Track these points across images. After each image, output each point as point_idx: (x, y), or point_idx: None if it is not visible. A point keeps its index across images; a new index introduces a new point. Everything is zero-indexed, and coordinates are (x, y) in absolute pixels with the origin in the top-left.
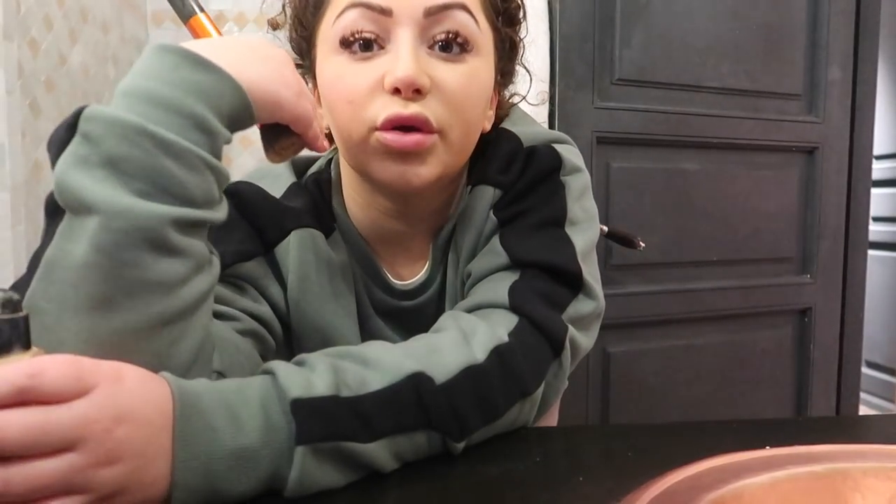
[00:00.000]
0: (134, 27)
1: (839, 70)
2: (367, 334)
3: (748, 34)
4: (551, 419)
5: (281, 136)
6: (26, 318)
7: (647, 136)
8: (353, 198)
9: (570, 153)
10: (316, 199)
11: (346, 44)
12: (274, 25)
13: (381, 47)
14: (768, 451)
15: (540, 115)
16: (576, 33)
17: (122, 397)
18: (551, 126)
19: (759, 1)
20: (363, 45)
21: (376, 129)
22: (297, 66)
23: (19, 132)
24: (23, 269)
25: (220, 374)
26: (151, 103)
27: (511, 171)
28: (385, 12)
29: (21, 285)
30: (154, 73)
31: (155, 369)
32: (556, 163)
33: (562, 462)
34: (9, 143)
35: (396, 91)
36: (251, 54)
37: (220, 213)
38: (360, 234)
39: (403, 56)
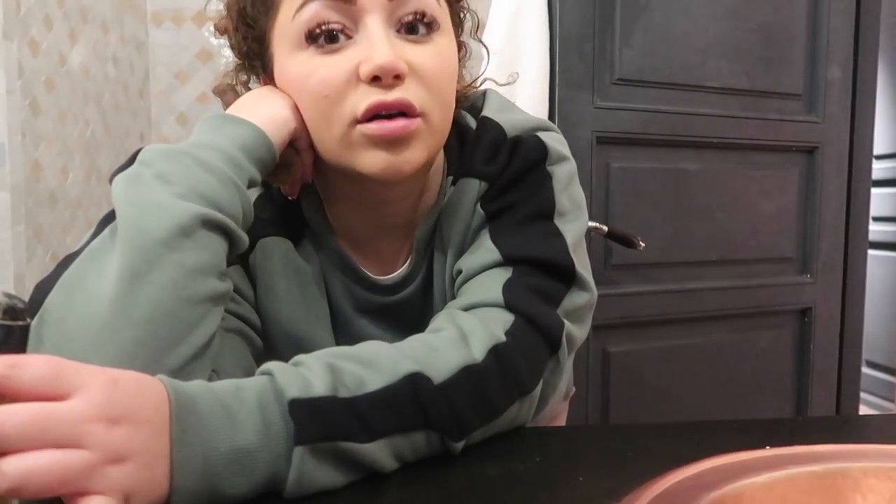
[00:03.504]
0: (134, 27)
1: (839, 70)
2: (350, 335)
3: (748, 34)
4: (560, 421)
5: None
6: (24, 328)
7: (647, 136)
8: (329, 197)
9: (556, 141)
10: (284, 207)
11: (311, 38)
12: (222, 30)
13: (349, 37)
14: (768, 451)
15: (540, 115)
16: (576, 33)
17: (118, 398)
18: None
19: (759, 1)
20: (330, 37)
21: (357, 121)
22: (241, 67)
23: (19, 132)
24: (23, 269)
25: (213, 371)
26: (196, 145)
27: (496, 162)
28: (349, 1)
29: (48, 281)
30: (202, 130)
31: (171, 351)
32: (542, 153)
33: (562, 462)
34: (9, 143)
35: (375, 79)
36: (262, 101)
37: (242, 237)
38: (337, 233)
39: (378, 43)
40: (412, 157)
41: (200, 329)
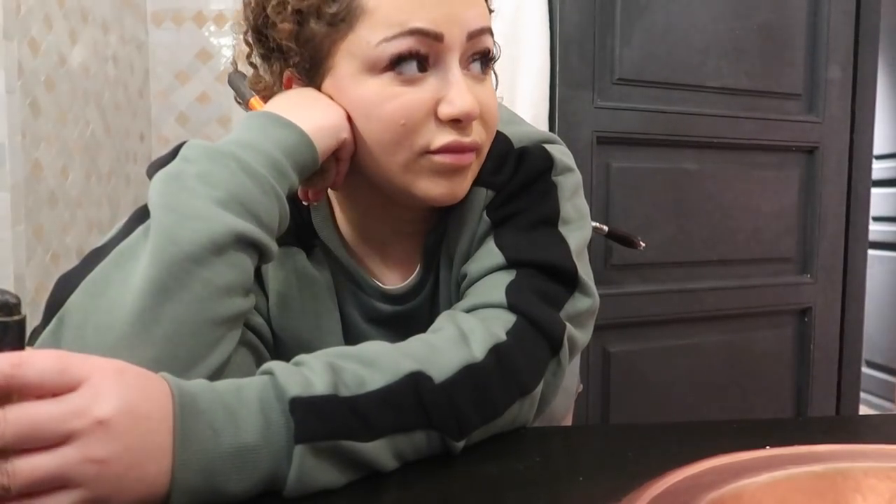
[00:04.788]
0: (134, 27)
1: (839, 70)
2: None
3: (748, 34)
4: (569, 420)
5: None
6: (21, 322)
7: (647, 135)
8: (351, 205)
9: (561, 153)
10: (295, 217)
11: (395, 63)
12: (279, 18)
13: (425, 69)
14: (768, 451)
15: (540, 115)
16: (576, 33)
17: (121, 390)
18: (551, 126)
19: (759, 1)
20: (417, 65)
21: (428, 152)
22: (265, 58)
23: (19, 132)
24: (22, 269)
25: None
26: (241, 145)
27: (503, 172)
28: (438, 38)
29: (72, 276)
30: (247, 128)
31: (188, 372)
32: (548, 163)
33: (562, 462)
34: (9, 143)
35: (455, 121)
36: (313, 106)
37: (273, 250)
38: (348, 244)
39: (460, 87)
40: (466, 184)
41: (219, 350)
